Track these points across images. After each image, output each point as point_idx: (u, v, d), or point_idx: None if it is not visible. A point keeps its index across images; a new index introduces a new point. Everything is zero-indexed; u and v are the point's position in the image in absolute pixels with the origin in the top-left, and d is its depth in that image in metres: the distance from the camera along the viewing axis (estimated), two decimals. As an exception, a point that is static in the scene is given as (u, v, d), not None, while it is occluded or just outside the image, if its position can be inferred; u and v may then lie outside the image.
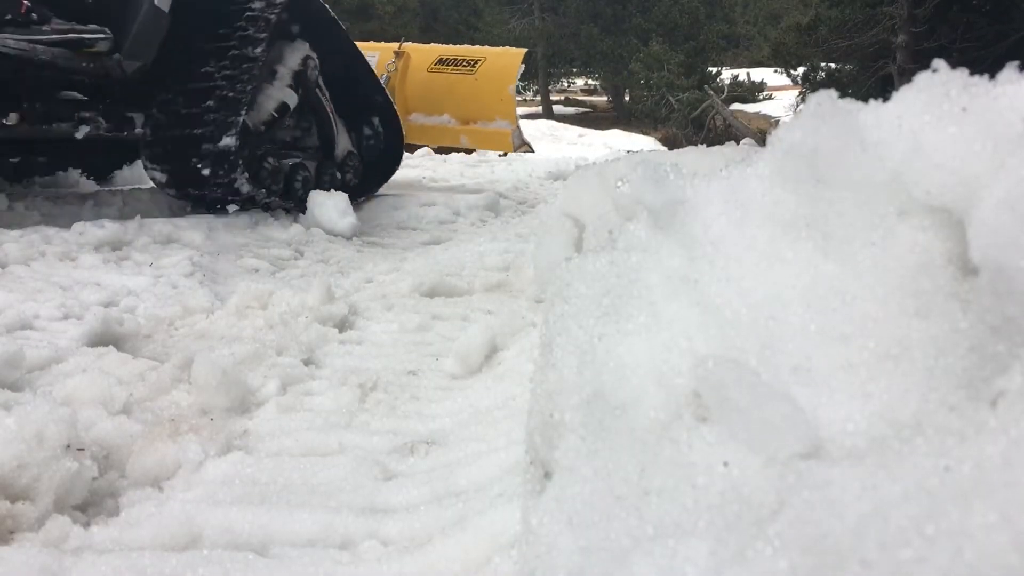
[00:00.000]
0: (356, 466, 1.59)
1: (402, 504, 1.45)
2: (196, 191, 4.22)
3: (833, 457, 0.68)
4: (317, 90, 4.78)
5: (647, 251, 0.91)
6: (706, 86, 20.61)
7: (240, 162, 4.02)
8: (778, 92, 23.27)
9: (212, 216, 4.09)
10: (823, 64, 15.90)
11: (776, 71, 20.49)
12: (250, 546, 1.33)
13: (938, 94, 0.78)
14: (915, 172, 0.76)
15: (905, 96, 0.80)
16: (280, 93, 4.46)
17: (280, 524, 1.37)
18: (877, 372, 0.72)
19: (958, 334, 0.72)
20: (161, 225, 3.88)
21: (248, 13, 4.18)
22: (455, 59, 6.47)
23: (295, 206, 4.49)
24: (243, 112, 4.03)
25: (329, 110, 4.92)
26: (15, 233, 3.37)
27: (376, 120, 5.38)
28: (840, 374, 0.73)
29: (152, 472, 1.55)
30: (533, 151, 7.36)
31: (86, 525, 1.37)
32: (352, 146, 5.18)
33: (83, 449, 1.48)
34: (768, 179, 0.86)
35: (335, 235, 4.24)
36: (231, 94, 4.03)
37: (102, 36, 3.94)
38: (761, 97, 24.07)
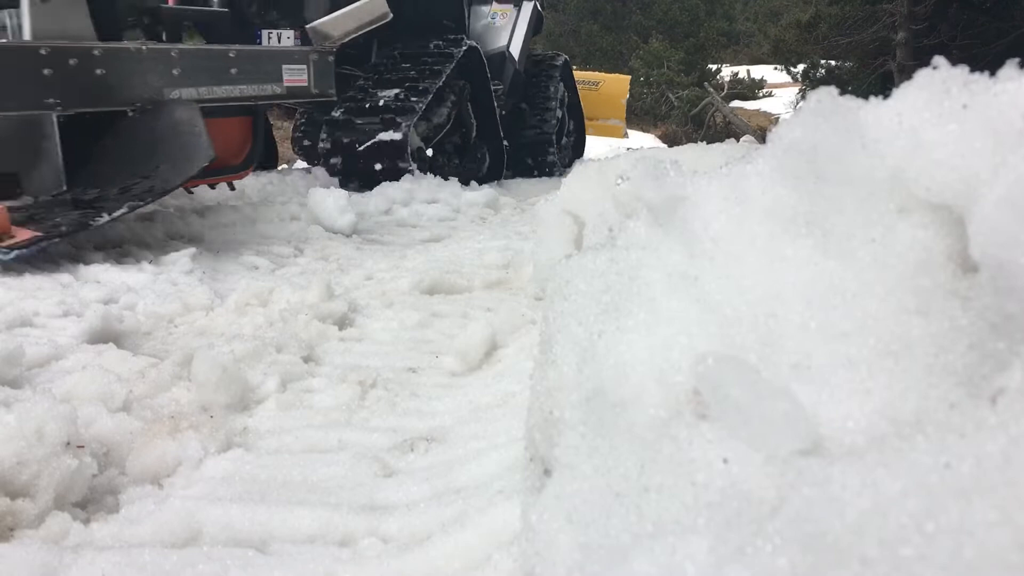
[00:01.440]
0: (356, 463, 1.59)
1: (402, 501, 1.45)
2: (534, 164, 7.95)
3: (833, 454, 0.68)
4: (564, 109, 8.52)
5: (647, 248, 0.91)
6: (706, 83, 20.61)
7: (551, 147, 8.05)
8: (778, 89, 23.24)
9: (210, 214, 4.09)
10: (823, 61, 15.89)
11: (776, 68, 20.45)
12: (250, 543, 1.33)
13: (938, 91, 0.78)
14: (915, 169, 0.76)
15: (905, 93, 0.80)
16: (558, 113, 8.20)
17: (280, 521, 1.37)
18: (877, 369, 0.72)
19: (958, 331, 0.72)
20: (161, 222, 3.89)
21: (551, 72, 8.10)
22: (583, 80, 9.74)
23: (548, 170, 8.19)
24: (554, 122, 8.05)
25: (564, 118, 8.61)
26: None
27: (574, 122, 9.05)
28: (840, 371, 0.73)
29: (152, 469, 1.55)
30: (628, 137, 11.17)
31: (86, 522, 1.37)
32: (566, 136, 8.84)
33: (83, 446, 1.48)
34: (768, 176, 0.85)
35: (335, 232, 4.24)
36: (547, 113, 7.93)
37: (500, 87, 7.13)
38: (761, 94, 24.05)
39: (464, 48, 5.93)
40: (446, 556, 1.24)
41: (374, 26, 4.90)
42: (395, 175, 5.26)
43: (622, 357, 0.82)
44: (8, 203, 3.20)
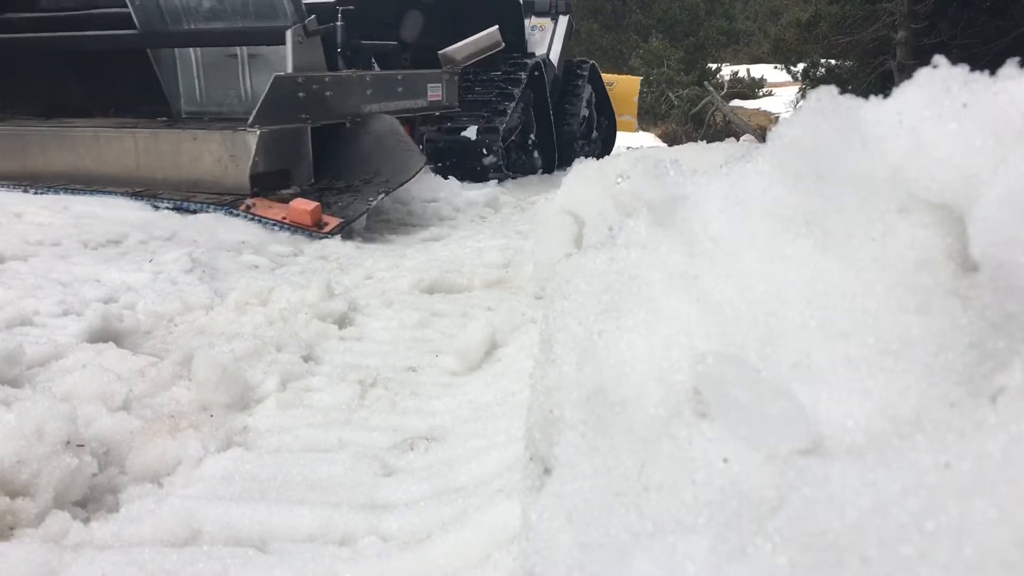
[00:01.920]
0: (356, 462, 1.59)
1: (402, 500, 1.45)
2: (562, 157, 8.10)
3: (833, 453, 0.68)
4: (592, 107, 9.41)
5: (647, 247, 0.91)
6: (706, 82, 20.61)
7: (580, 141, 8.83)
8: (778, 88, 23.22)
9: (212, 213, 4.08)
10: (823, 60, 15.87)
11: (776, 67, 20.42)
12: (250, 542, 1.33)
13: (938, 90, 0.78)
14: (915, 168, 0.76)
15: (905, 92, 0.80)
16: (584, 111, 9.00)
17: (280, 520, 1.37)
18: (877, 368, 0.72)
19: (958, 330, 0.72)
20: (161, 221, 3.89)
21: (579, 76, 8.87)
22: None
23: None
24: (582, 120, 8.86)
25: (594, 116, 9.52)
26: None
27: (605, 119, 9.92)
28: (840, 370, 0.73)
29: (152, 468, 1.55)
30: (638, 131, 12.67)
31: (86, 521, 1.37)
32: (596, 131, 9.66)
33: (83, 445, 1.48)
34: (768, 175, 0.85)
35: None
36: (575, 112, 8.68)
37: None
38: (761, 93, 24.03)
39: (533, 64, 7.30)
40: (446, 555, 1.24)
41: (489, 53, 6.31)
42: (484, 168, 6.32)
43: (622, 356, 0.82)
44: (283, 191, 4.33)
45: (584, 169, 2.59)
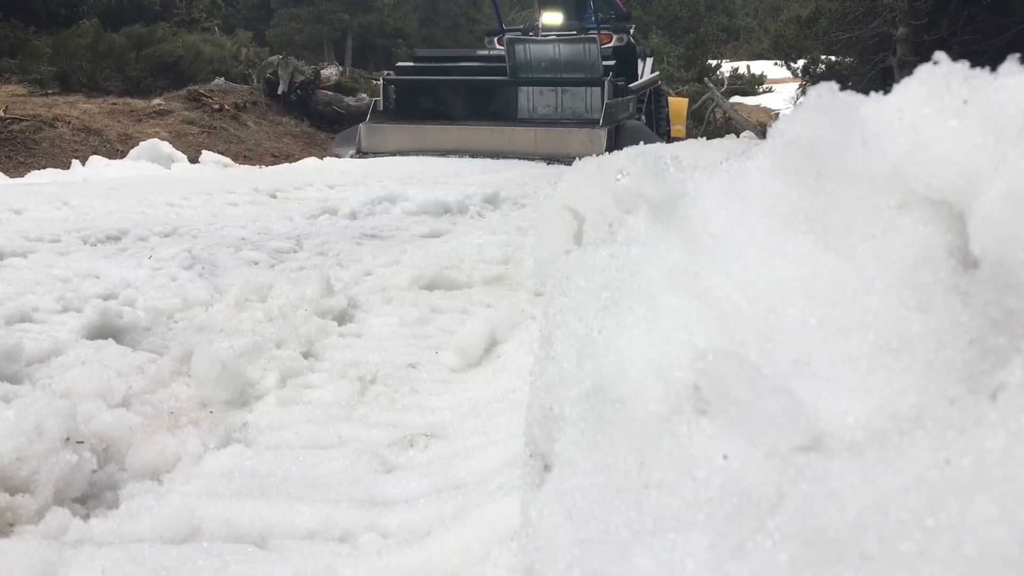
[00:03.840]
0: (355, 459, 1.59)
1: (402, 497, 1.45)
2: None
3: (833, 450, 0.68)
4: (662, 114, 13.21)
5: (647, 244, 0.91)
6: (706, 79, 20.61)
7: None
8: (778, 85, 23.22)
9: (211, 210, 4.09)
10: (823, 57, 15.88)
11: (776, 64, 20.43)
12: (250, 538, 1.33)
13: (939, 87, 0.78)
14: (916, 165, 0.76)
15: (906, 89, 0.80)
16: (662, 112, 13.01)
17: (279, 517, 1.37)
18: (877, 365, 0.72)
19: (958, 327, 0.71)
20: (161, 216, 3.89)
21: (661, 96, 13.06)
22: None
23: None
24: (665, 118, 13.34)
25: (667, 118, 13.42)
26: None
27: (666, 126, 13.26)
28: (840, 367, 0.73)
29: (151, 465, 1.55)
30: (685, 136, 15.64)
31: (85, 518, 1.37)
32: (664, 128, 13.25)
33: (82, 442, 1.48)
34: (768, 172, 0.85)
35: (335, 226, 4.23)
36: (661, 119, 13.02)
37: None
38: (761, 90, 24.04)
39: (653, 87, 11.93)
40: (446, 552, 1.24)
41: (652, 86, 11.66)
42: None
43: (622, 353, 0.82)
44: None
45: (584, 166, 2.59)
